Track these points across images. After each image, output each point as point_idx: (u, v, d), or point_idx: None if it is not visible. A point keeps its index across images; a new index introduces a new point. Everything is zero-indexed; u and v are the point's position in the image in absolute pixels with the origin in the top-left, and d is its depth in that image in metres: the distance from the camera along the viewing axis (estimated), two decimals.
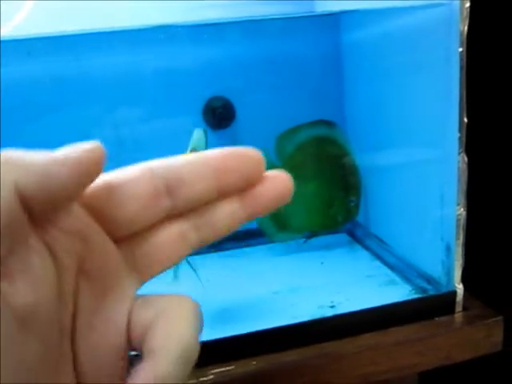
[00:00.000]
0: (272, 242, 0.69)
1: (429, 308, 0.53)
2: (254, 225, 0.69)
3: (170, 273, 0.53)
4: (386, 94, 0.61)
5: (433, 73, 0.48)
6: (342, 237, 0.74)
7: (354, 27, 0.67)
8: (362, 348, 0.49)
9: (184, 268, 0.54)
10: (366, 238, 0.71)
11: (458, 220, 0.50)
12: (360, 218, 0.72)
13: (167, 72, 0.70)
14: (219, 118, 0.71)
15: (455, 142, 0.47)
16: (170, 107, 0.71)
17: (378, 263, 0.65)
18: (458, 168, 0.48)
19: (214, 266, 0.67)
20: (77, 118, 0.69)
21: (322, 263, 0.67)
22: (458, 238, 0.51)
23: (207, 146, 0.56)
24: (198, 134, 0.56)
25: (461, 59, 0.44)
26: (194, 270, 0.53)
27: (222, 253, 0.71)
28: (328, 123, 0.66)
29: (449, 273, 0.53)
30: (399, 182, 0.61)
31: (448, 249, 0.52)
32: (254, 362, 0.48)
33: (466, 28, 0.42)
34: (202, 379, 0.46)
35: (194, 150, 0.54)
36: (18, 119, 0.66)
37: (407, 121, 0.57)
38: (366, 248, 0.70)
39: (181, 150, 0.73)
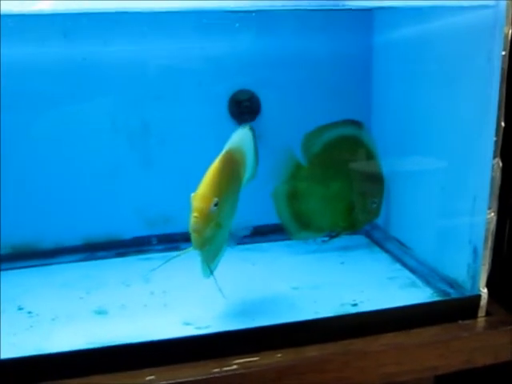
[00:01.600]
0: (292, 239, 0.68)
1: (452, 311, 0.53)
2: (274, 221, 0.69)
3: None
4: (418, 97, 0.61)
5: (472, 75, 0.49)
6: (361, 239, 0.74)
7: (388, 25, 0.67)
8: (386, 347, 0.49)
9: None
10: (385, 240, 0.71)
11: (488, 224, 0.50)
12: (379, 220, 0.72)
13: (194, 62, 0.70)
14: (244, 110, 0.71)
15: (491, 146, 0.48)
16: (194, 98, 0.71)
17: (398, 266, 0.65)
18: (492, 172, 0.48)
19: (234, 260, 0.67)
20: (101, 105, 0.69)
21: (342, 263, 0.67)
22: (486, 242, 0.51)
23: (256, 147, 0.55)
24: (241, 133, 0.53)
25: (503, 62, 0.44)
26: (214, 278, 0.51)
27: (242, 246, 0.70)
28: (356, 123, 0.66)
29: (474, 276, 0.53)
30: (427, 185, 0.61)
31: (475, 252, 0.52)
32: (279, 355, 0.48)
33: (510, 31, 0.43)
34: (225, 368, 0.46)
35: (233, 149, 0.51)
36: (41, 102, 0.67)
37: (441, 123, 0.57)
38: (386, 251, 0.70)
39: (205, 141, 0.73)
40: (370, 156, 0.67)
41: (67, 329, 0.52)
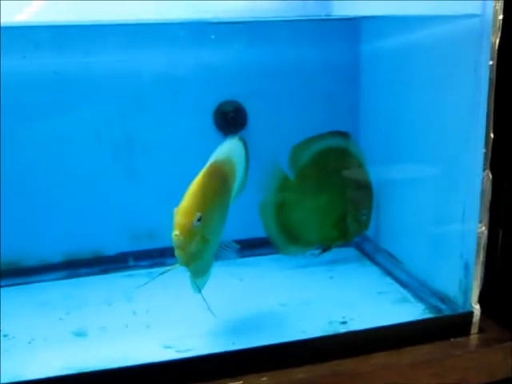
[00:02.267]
0: (280, 254, 0.67)
1: (444, 328, 0.51)
2: (261, 234, 0.67)
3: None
4: (406, 106, 0.60)
5: (459, 86, 0.47)
6: (351, 251, 0.73)
7: (374, 35, 0.66)
8: (376, 367, 0.47)
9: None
10: (375, 253, 0.70)
11: (479, 238, 0.49)
12: (370, 232, 0.70)
13: (177, 72, 0.68)
14: (230, 122, 0.69)
15: (480, 158, 0.46)
16: (179, 109, 0.69)
17: (389, 280, 0.63)
18: (482, 185, 0.47)
19: (221, 275, 0.64)
20: (84, 116, 0.67)
21: (331, 277, 0.65)
22: (477, 257, 0.50)
23: (248, 158, 0.53)
24: (231, 144, 0.51)
25: (490, 72, 0.43)
26: (202, 295, 0.49)
27: (229, 261, 0.68)
28: (343, 134, 0.65)
29: (466, 292, 0.51)
30: (416, 197, 0.59)
31: (467, 267, 0.51)
32: (265, 378, 0.46)
33: (497, 40, 0.42)
34: None
35: (221, 160, 0.49)
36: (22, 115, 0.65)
37: (429, 134, 0.56)
38: (376, 263, 0.68)
39: (190, 153, 0.72)
40: (359, 167, 0.66)
41: (44, 352, 0.50)
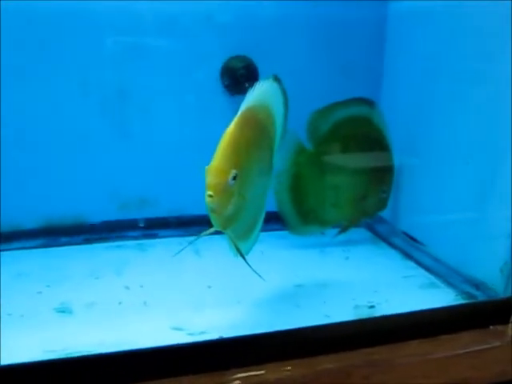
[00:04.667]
0: (293, 234, 0.60)
1: (483, 315, 0.46)
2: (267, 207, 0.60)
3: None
4: (440, 75, 0.54)
5: (499, 55, 0.41)
6: (362, 232, 0.67)
7: None
8: (413, 358, 0.42)
9: None
10: (391, 235, 0.64)
11: None
12: (384, 212, 0.64)
13: (181, 20, 0.60)
14: (240, 80, 0.62)
15: None
16: (181, 62, 0.61)
17: (411, 263, 0.57)
18: None
19: (223, 251, 0.57)
20: (70, 62, 0.58)
21: (346, 258, 0.59)
22: None
23: (286, 100, 0.46)
24: (265, 87, 0.43)
25: None
26: (246, 260, 0.42)
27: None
28: (368, 102, 0.58)
29: (510, 276, 0.46)
30: (449, 177, 0.54)
31: None
32: (288, 368, 0.39)
33: None
34: None
35: (255, 107, 0.42)
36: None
37: (469, 104, 0.50)
38: (393, 246, 0.62)
39: (192, 113, 0.64)
40: (382, 140, 0.59)
41: (21, 332, 0.41)
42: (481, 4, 0.47)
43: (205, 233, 0.42)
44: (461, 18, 0.51)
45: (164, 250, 0.60)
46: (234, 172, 0.37)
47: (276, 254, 0.59)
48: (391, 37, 0.63)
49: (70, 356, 0.38)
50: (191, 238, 0.61)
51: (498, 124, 0.47)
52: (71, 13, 0.56)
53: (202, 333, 0.41)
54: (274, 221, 0.61)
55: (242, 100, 0.67)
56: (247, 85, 0.61)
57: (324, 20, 0.63)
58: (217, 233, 0.41)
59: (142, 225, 0.63)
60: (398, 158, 0.61)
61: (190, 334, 0.41)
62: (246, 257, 0.43)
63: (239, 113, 0.41)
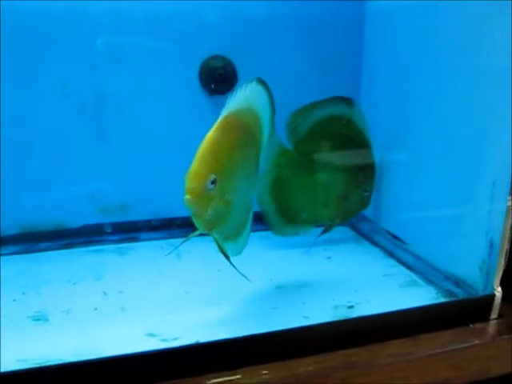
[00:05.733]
0: (275, 234, 0.59)
1: (462, 313, 0.46)
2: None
3: None
4: (421, 69, 0.53)
5: (487, 48, 0.41)
6: (346, 231, 0.66)
7: None
8: (393, 359, 0.41)
9: None
10: (374, 233, 0.64)
11: (508, 212, 0.43)
12: (367, 211, 0.64)
13: (160, 20, 0.59)
14: (218, 80, 0.61)
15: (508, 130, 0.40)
16: (160, 63, 0.60)
17: (393, 261, 0.57)
18: None
19: (206, 253, 0.57)
20: (49, 64, 0.57)
21: (328, 258, 0.58)
22: (504, 234, 0.44)
23: (272, 102, 0.45)
24: (249, 90, 0.42)
25: None
26: (231, 262, 0.43)
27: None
28: (347, 101, 0.58)
29: (488, 273, 0.46)
30: (429, 174, 0.53)
31: (491, 246, 0.45)
32: (265, 371, 0.38)
33: None
34: None
35: (239, 111, 0.42)
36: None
37: (449, 98, 0.49)
38: (376, 244, 0.62)
39: (171, 114, 0.63)
40: (363, 138, 0.59)
41: None
42: None
43: (192, 235, 0.42)
44: (437, 14, 0.51)
45: (145, 253, 0.60)
46: (212, 176, 0.37)
47: (258, 255, 0.59)
48: (369, 35, 0.63)
49: (42, 365, 0.37)
50: (173, 241, 0.62)
51: (478, 120, 0.46)
52: (49, 14, 0.55)
53: (176, 339, 0.40)
54: (256, 221, 0.62)
55: (221, 100, 0.66)
56: (223, 86, 0.62)
57: (302, 19, 0.62)
58: (202, 235, 0.41)
59: (109, 230, 0.62)
60: (379, 156, 0.61)
61: (163, 340, 0.40)
62: (232, 258, 0.43)
63: (221, 117, 0.41)
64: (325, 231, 0.59)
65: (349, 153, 0.59)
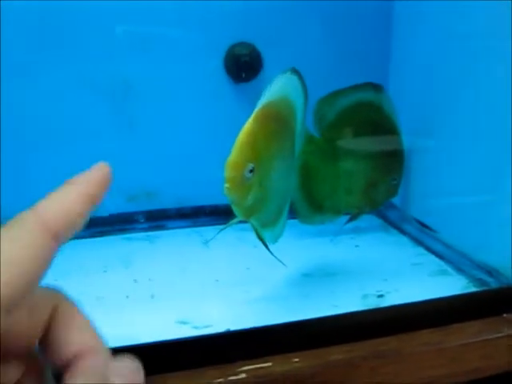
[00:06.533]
0: (303, 223, 0.59)
1: (496, 302, 0.45)
2: None
3: None
4: (445, 60, 0.52)
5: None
6: (373, 219, 0.66)
7: None
8: (424, 347, 0.41)
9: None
10: (402, 221, 0.63)
11: None
12: (395, 199, 0.63)
13: (184, 9, 0.59)
14: (243, 68, 0.60)
15: None
16: (186, 52, 0.60)
17: (421, 250, 0.56)
18: None
19: (231, 241, 0.57)
20: (76, 57, 0.57)
21: (356, 246, 0.58)
22: None
23: (306, 93, 0.46)
24: (283, 80, 0.43)
25: None
26: (268, 249, 0.44)
27: (237, 226, 0.61)
28: (376, 87, 0.57)
29: None
30: (460, 161, 0.52)
31: None
32: (296, 359, 0.39)
33: None
34: (230, 378, 0.36)
35: (274, 102, 0.42)
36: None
37: (482, 87, 0.48)
38: (404, 233, 0.61)
39: (197, 102, 0.63)
40: (391, 125, 0.58)
41: None
42: None
43: (232, 222, 0.44)
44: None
45: (173, 241, 0.60)
46: (250, 165, 0.38)
47: (286, 243, 0.58)
48: (398, 20, 0.61)
49: None
50: (199, 229, 0.63)
51: (509, 105, 0.45)
52: (78, 3, 0.56)
53: (207, 326, 0.41)
54: None
55: (247, 87, 0.66)
56: (249, 73, 0.61)
57: (329, 5, 0.62)
58: (241, 222, 0.42)
59: (139, 219, 0.63)
60: (408, 143, 0.60)
61: (194, 328, 0.41)
62: (258, 247, 0.44)
63: (257, 107, 0.41)
64: (351, 219, 0.59)
65: (377, 140, 0.58)
